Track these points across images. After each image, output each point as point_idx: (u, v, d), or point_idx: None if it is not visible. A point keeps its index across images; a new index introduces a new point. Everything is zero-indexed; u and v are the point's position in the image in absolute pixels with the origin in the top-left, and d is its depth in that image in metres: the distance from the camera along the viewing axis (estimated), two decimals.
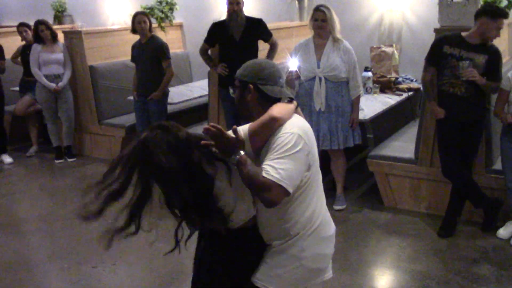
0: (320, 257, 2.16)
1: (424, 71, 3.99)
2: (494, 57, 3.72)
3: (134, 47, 5.39)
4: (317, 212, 2.14)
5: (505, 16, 3.66)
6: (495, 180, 4.06)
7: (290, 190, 1.93)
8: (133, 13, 5.41)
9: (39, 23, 5.88)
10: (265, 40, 4.90)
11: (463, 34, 3.76)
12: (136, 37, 5.36)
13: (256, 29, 4.85)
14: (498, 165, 4.04)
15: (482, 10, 3.68)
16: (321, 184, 2.22)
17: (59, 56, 5.87)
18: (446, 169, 3.94)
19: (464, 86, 3.73)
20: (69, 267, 3.73)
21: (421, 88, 4.80)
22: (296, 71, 4.22)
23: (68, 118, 6.05)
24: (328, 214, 2.25)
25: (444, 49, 3.78)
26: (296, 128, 2.00)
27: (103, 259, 3.81)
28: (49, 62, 5.85)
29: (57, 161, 6.13)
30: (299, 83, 4.32)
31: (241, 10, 4.80)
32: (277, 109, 2.04)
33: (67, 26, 7.48)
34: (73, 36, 6.04)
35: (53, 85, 5.84)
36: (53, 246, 4.08)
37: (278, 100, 2.09)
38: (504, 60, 4.27)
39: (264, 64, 2.14)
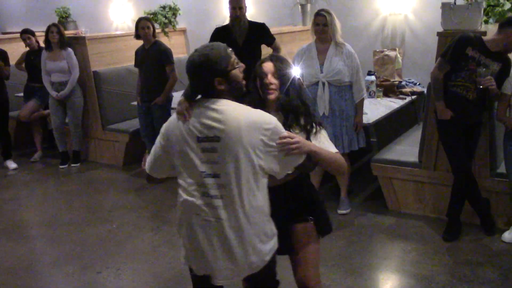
0: None
1: (438, 69, 3.83)
2: (507, 66, 3.72)
3: (137, 53, 5.41)
4: None
5: None
6: (499, 183, 4.05)
7: None
8: (136, 18, 5.44)
9: (52, 25, 5.91)
10: (268, 44, 4.91)
11: (485, 39, 3.72)
12: (140, 43, 5.38)
13: (259, 33, 4.85)
14: (502, 169, 4.03)
15: (508, 21, 3.64)
16: None
17: (62, 64, 5.87)
18: (457, 168, 3.89)
19: (476, 92, 3.72)
20: (73, 273, 3.73)
21: (425, 92, 4.79)
22: (299, 78, 4.22)
23: (74, 124, 6.08)
24: None
25: (467, 50, 3.69)
26: None
27: (107, 264, 3.82)
28: (53, 70, 5.88)
29: (61, 167, 6.15)
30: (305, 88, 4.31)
31: (243, 15, 4.80)
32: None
33: (71, 32, 7.51)
34: (77, 42, 6.06)
35: (55, 93, 5.87)
36: (58, 252, 4.09)
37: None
38: None
39: None
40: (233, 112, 2.09)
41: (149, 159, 2.39)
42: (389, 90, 5.45)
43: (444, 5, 4.23)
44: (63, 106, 6.01)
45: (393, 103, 5.16)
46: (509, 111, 3.76)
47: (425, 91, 4.62)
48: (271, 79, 2.41)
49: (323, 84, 4.27)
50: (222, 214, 2.12)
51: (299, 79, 4.23)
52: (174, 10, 7.24)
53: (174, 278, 3.62)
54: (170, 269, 3.72)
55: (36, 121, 6.44)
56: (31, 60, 6.20)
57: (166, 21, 7.13)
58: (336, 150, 2.37)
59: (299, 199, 2.48)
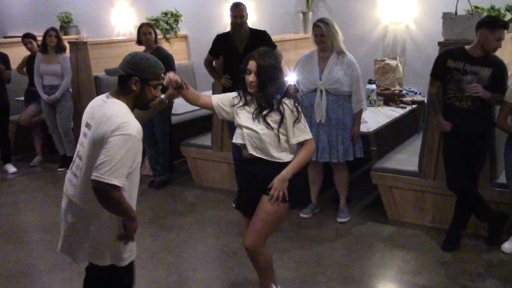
0: None
1: (430, 85, 3.99)
2: (499, 69, 3.72)
3: None
4: None
5: (504, 26, 3.66)
6: (499, 193, 4.04)
7: None
8: (138, 24, 5.45)
9: (51, 29, 5.94)
10: None
11: (467, 47, 3.77)
12: (141, 48, 5.39)
13: (260, 41, 4.85)
14: (502, 179, 4.02)
15: (481, 22, 3.69)
16: None
17: (55, 67, 5.88)
18: (451, 182, 3.93)
19: (470, 100, 3.73)
20: (71, 278, 3.71)
21: (425, 101, 4.80)
22: (294, 85, 4.24)
23: (63, 129, 6.06)
24: None
25: (448, 63, 3.79)
26: None
27: None
28: (45, 72, 5.89)
29: (59, 169, 6.14)
30: (301, 95, 4.33)
31: (245, 23, 4.82)
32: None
33: (72, 37, 7.52)
34: (79, 47, 6.07)
35: (45, 96, 5.88)
36: (56, 256, 4.06)
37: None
38: (509, 73, 4.27)
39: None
40: (108, 109, 2.35)
41: None
42: (390, 99, 5.46)
43: (445, 15, 4.25)
44: (54, 110, 6.02)
45: (393, 112, 5.16)
46: (511, 118, 3.76)
47: (426, 101, 4.63)
48: (252, 77, 2.83)
49: (321, 91, 4.28)
50: (74, 191, 2.46)
51: (294, 85, 4.29)
52: (176, 17, 7.26)
53: (171, 284, 3.60)
54: (167, 275, 3.71)
55: (36, 125, 6.44)
56: (32, 64, 6.19)
57: (168, 27, 7.15)
58: (305, 138, 2.89)
59: (271, 175, 2.86)
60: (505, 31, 3.68)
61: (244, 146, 2.93)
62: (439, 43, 4.19)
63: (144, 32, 5.23)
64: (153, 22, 6.92)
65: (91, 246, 2.47)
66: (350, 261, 3.85)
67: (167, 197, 5.28)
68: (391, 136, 5.35)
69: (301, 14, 6.38)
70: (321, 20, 4.33)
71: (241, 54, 4.74)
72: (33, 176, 6.12)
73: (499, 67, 3.72)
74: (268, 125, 2.83)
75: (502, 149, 3.91)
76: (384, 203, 4.55)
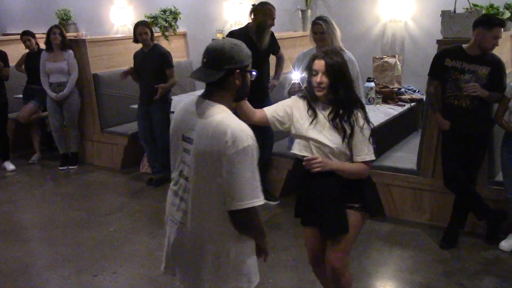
0: None
1: (428, 85, 4.00)
2: (497, 68, 3.72)
3: (136, 56, 5.41)
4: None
5: (501, 24, 3.66)
6: (497, 191, 4.05)
7: None
8: (137, 21, 5.44)
9: (55, 26, 5.95)
10: (275, 53, 4.91)
11: (464, 46, 3.77)
12: (139, 46, 5.40)
13: (272, 41, 4.83)
14: (500, 177, 4.03)
15: (478, 21, 3.69)
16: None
17: (62, 64, 5.89)
18: (448, 181, 3.93)
19: (468, 98, 3.73)
20: (69, 275, 3.72)
21: (424, 99, 4.80)
22: (299, 83, 4.23)
23: (71, 126, 6.08)
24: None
25: (446, 62, 3.79)
26: None
27: (103, 268, 3.81)
28: (52, 70, 5.89)
29: (60, 168, 6.15)
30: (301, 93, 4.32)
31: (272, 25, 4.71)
32: None
33: (71, 35, 7.51)
34: (77, 44, 6.07)
35: (53, 94, 5.88)
36: (54, 254, 4.08)
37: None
38: (507, 72, 4.27)
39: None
40: (215, 120, 1.97)
41: None
42: (388, 97, 5.45)
43: (444, 13, 4.25)
44: (60, 108, 6.02)
45: (392, 110, 5.16)
46: (509, 115, 3.77)
47: (424, 99, 4.62)
48: (320, 77, 2.52)
49: None
50: (183, 218, 2.10)
51: (299, 83, 4.27)
52: (174, 14, 7.25)
53: (170, 282, 3.60)
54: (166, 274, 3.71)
55: (34, 123, 6.44)
56: (31, 62, 6.20)
57: (167, 24, 7.13)
58: (369, 158, 2.58)
59: (346, 186, 2.61)
60: (502, 29, 3.68)
61: None
62: (438, 41, 4.19)
63: (140, 33, 5.22)
64: (152, 19, 6.92)
65: (214, 272, 2.08)
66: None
67: (166, 195, 5.26)
68: (390, 134, 5.35)
69: (299, 12, 6.37)
70: (321, 18, 4.33)
71: (259, 53, 4.68)
72: (32, 174, 6.12)
73: (497, 65, 3.72)
74: (343, 133, 2.53)
75: (500, 148, 3.91)
76: (382, 201, 4.55)
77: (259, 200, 1.93)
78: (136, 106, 5.55)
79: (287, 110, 2.71)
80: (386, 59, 5.77)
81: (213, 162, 1.93)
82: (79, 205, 5.11)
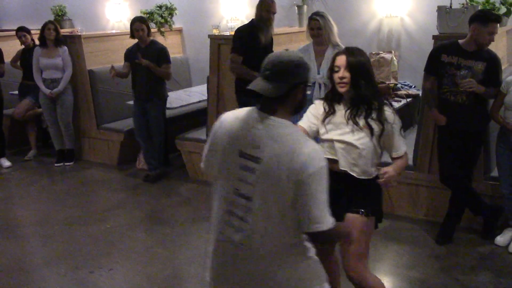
0: None
1: (424, 81, 4.00)
2: (493, 63, 3.72)
3: (131, 51, 5.34)
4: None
5: (497, 20, 3.66)
6: (492, 187, 4.06)
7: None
8: (132, 17, 5.42)
9: (49, 22, 5.93)
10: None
11: (460, 42, 3.77)
12: (134, 41, 5.38)
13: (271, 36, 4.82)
14: (496, 172, 4.03)
15: (473, 16, 3.69)
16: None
17: (57, 60, 5.87)
18: (444, 177, 3.94)
19: (465, 94, 3.73)
20: (65, 272, 3.72)
21: (420, 95, 4.80)
22: None
23: (64, 122, 6.05)
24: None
25: (442, 58, 3.79)
26: None
27: (100, 264, 3.80)
28: (47, 66, 5.87)
29: (56, 165, 6.13)
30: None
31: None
32: None
33: (66, 30, 7.47)
34: (73, 40, 6.05)
35: (47, 90, 5.86)
36: (50, 251, 4.07)
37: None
38: (502, 68, 4.27)
39: None
40: (289, 140, 1.87)
41: (204, 153, 2.17)
42: (384, 92, 5.45)
43: (440, 9, 4.25)
44: (54, 104, 5.99)
45: None
46: (504, 111, 3.78)
47: (420, 94, 4.62)
48: (342, 72, 2.46)
49: (320, 85, 4.28)
50: (243, 239, 1.94)
51: None
52: (170, 10, 7.22)
53: (166, 279, 3.61)
54: (162, 270, 3.71)
55: (30, 119, 6.41)
56: (27, 58, 6.17)
57: (163, 20, 7.11)
58: (405, 149, 2.59)
59: (358, 190, 2.57)
60: (498, 25, 3.68)
61: (333, 160, 2.52)
62: (434, 37, 4.19)
63: (137, 29, 5.20)
64: (148, 15, 6.88)
65: None
66: None
67: (162, 191, 5.28)
68: None
69: (296, 8, 6.35)
70: (317, 14, 4.32)
71: (263, 49, 4.65)
72: (28, 170, 6.10)
73: (493, 61, 3.72)
74: (370, 131, 2.48)
75: (495, 143, 3.92)
76: None
77: (331, 222, 1.88)
78: (131, 102, 5.53)
79: (316, 115, 2.65)
80: (382, 55, 5.77)
81: (287, 183, 1.83)
82: (75, 201, 5.10)
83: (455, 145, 3.86)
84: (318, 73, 4.29)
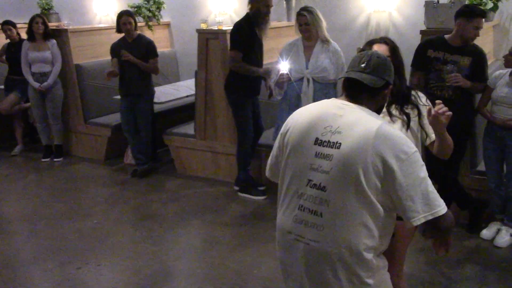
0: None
1: (411, 76, 4.00)
2: (479, 58, 3.75)
3: (117, 45, 5.31)
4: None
5: (482, 15, 3.69)
6: (479, 181, 4.09)
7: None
8: (120, 11, 5.38)
9: (37, 15, 5.88)
10: None
11: (446, 37, 3.79)
12: (120, 35, 5.34)
13: None
14: (482, 167, 4.07)
15: (459, 11, 3.72)
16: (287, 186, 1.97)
17: (46, 54, 5.82)
18: (431, 171, 3.95)
19: (451, 89, 3.75)
20: (53, 268, 3.69)
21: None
22: (287, 74, 4.24)
23: (53, 117, 6.01)
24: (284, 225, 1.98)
25: (428, 53, 3.80)
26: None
27: (87, 260, 3.78)
28: (36, 60, 5.81)
29: (43, 160, 6.08)
30: (289, 83, 4.33)
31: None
32: None
33: (53, 24, 7.38)
34: (59, 35, 5.99)
35: (37, 84, 5.81)
36: (37, 247, 4.04)
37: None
38: (489, 62, 4.30)
39: None
40: (368, 123, 1.82)
41: (269, 160, 2.15)
42: None
43: (427, 4, 4.26)
44: (43, 99, 5.94)
45: None
46: (491, 105, 3.80)
47: None
48: None
49: (308, 80, 4.28)
50: (317, 235, 1.84)
51: (287, 74, 4.27)
52: (158, 4, 7.16)
53: (154, 274, 3.60)
54: (150, 265, 3.70)
55: (17, 114, 6.35)
56: (12, 52, 6.10)
57: (150, 14, 7.05)
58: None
59: None
60: (483, 19, 3.71)
61: None
62: (421, 32, 4.21)
63: (124, 22, 5.17)
64: (135, 9, 6.83)
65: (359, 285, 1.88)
66: None
67: (150, 186, 5.26)
68: None
69: (284, 2, 6.33)
70: (305, 9, 4.31)
71: (258, 44, 4.62)
72: (14, 166, 6.05)
73: (479, 55, 3.75)
74: (405, 120, 2.35)
75: (482, 137, 3.95)
76: None
77: (444, 207, 1.80)
78: (119, 97, 5.49)
79: None
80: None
81: (371, 168, 1.76)
82: (62, 197, 5.07)
83: None
84: (307, 68, 4.30)
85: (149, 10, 7.03)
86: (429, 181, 1.81)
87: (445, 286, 3.37)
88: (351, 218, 1.80)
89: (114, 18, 7.03)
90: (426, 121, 2.35)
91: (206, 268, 3.68)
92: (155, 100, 5.68)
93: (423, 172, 1.81)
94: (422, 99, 2.44)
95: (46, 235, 4.23)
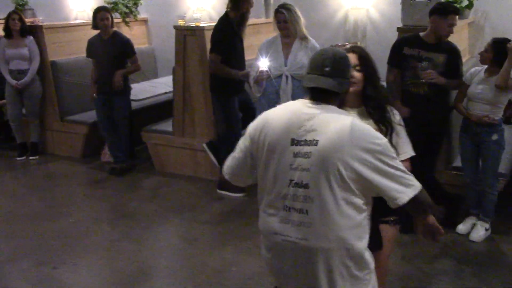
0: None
1: (388, 73, 4.05)
2: (453, 55, 3.80)
3: (93, 43, 5.28)
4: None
5: (455, 12, 3.74)
6: (455, 176, 4.15)
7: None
8: (96, 7, 5.31)
9: (13, 12, 5.80)
10: None
11: (421, 34, 3.83)
12: (96, 32, 5.28)
13: None
14: (458, 162, 4.13)
15: (433, 9, 3.76)
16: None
17: (23, 51, 5.72)
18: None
19: (426, 86, 3.79)
20: (28, 268, 3.64)
21: (385, 86, 4.85)
22: (267, 71, 4.23)
23: (31, 115, 5.92)
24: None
25: (404, 50, 3.84)
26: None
27: (64, 260, 3.73)
28: (13, 57, 5.72)
29: (18, 158, 5.98)
30: (268, 81, 4.32)
31: None
32: None
33: (28, 20, 7.24)
34: (34, 31, 5.89)
35: (14, 81, 5.71)
36: (12, 247, 3.97)
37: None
38: (464, 60, 4.36)
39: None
40: (342, 119, 1.91)
41: (228, 164, 2.16)
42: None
43: (404, 1, 4.30)
44: (20, 96, 5.84)
45: None
46: (467, 102, 3.86)
47: (385, 85, 4.66)
48: (352, 72, 2.21)
49: (287, 77, 4.28)
50: (303, 232, 1.90)
51: (267, 71, 4.26)
52: (135, 0, 7.10)
53: (132, 273, 3.57)
54: (128, 264, 3.67)
55: None
56: None
57: (127, 10, 6.98)
58: (413, 153, 2.40)
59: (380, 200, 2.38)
60: (457, 16, 3.76)
61: None
62: (398, 29, 4.24)
63: (102, 18, 5.11)
64: (112, 5, 6.75)
65: (348, 275, 1.94)
66: None
67: (128, 184, 5.21)
68: None
69: None
70: (283, 6, 4.31)
71: (240, 45, 4.60)
72: None
73: (453, 52, 3.80)
74: (379, 130, 2.24)
75: (458, 134, 4.00)
76: None
77: (418, 184, 1.91)
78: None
79: None
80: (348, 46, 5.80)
81: (348, 160, 1.83)
82: (38, 196, 4.99)
83: (418, 136, 3.91)
84: (285, 65, 4.30)
85: (126, 6, 6.96)
86: (402, 165, 1.94)
87: (421, 280, 3.41)
88: (336, 211, 1.86)
89: (90, 14, 6.94)
90: (399, 140, 2.34)
91: (185, 266, 3.66)
92: (133, 97, 5.62)
93: (396, 157, 1.93)
94: (396, 117, 2.38)
95: (22, 234, 4.16)
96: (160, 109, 6.11)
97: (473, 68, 3.89)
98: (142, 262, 3.71)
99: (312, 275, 1.92)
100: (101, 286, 3.46)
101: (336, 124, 1.89)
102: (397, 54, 3.90)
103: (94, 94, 5.39)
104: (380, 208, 2.26)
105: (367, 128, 1.94)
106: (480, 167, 3.90)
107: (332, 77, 1.94)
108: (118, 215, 4.52)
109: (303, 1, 6.02)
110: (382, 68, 5.15)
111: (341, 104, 2.13)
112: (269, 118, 2.03)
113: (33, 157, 6.00)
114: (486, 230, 3.92)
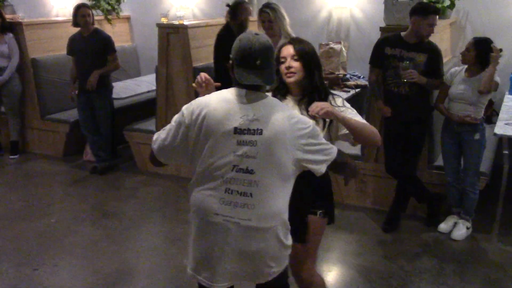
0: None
1: (370, 73, 4.08)
2: (434, 55, 3.83)
3: (73, 40, 5.22)
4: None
5: (435, 12, 3.76)
6: (437, 176, 4.18)
7: None
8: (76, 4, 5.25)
9: None
10: None
11: (403, 34, 3.85)
12: (78, 31, 5.21)
13: None
14: (440, 161, 4.16)
15: (413, 9, 3.78)
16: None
17: (2, 48, 5.63)
18: (389, 166, 4.03)
19: (407, 85, 3.81)
20: (7, 269, 3.58)
21: (368, 85, 4.87)
22: None
23: (11, 113, 5.83)
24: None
25: (386, 50, 3.86)
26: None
27: (44, 261, 3.68)
28: None
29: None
30: None
31: None
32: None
33: (7, 17, 7.14)
34: (14, 28, 5.79)
35: None
36: None
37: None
38: (445, 59, 4.39)
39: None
40: (281, 110, 2.05)
41: (160, 136, 2.17)
42: (334, 82, 5.50)
43: (387, 1, 4.31)
44: None
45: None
46: (448, 102, 3.89)
47: (368, 85, 4.69)
48: (290, 62, 2.38)
49: None
50: (247, 214, 2.01)
51: None
52: None
53: (113, 273, 3.53)
54: (110, 264, 3.63)
55: None
56: None
57: (110, 8, 6.90)
58: (363, 120, 2.41)
59: (314, 191, 2.49)
60: (437, 16, 3.78)
61: None
62: (381, 28, 4.25)
63: (83, 14, 5.05)
64: (94, 2, 6.67)
65: (276, 258, 2.11)
66: None
67: (110, 183, 5.16)
68: None
69: None
70: (268, 6, 4.30)
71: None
72: None
73: (434, 52, 3.83)
74: (323, 122, 2.38)
75: (440, 133, 4.03)
76: None
77: (335, 148, 2.12)
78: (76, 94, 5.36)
79: None
80: (332, 46, 5.81)
81: (290, 146, 2.00)
82: (18, 195, 4.91)
83: (400, 135, 3.95)
84: None
85: (108, 3, 6.88)
86: (323, 140, 2.13)
87: (403, 278, 3.43)
88: (277, 194, 2.04)
89: (71, 10, 6.86)
90: (345, 116, 2.36)
91: (167, 266, 3.63)
92: (115, 95, 5.57)
93: (320, 138, 2.11)
94: (337, 101, 2.44)
95: (1, 235, 4.10)
96: (143, 108, 6.06)
97: (453, 68, 3.92)
98: (124, 263, 3.68)
99: (251, 251, 2.05)
100: (82, 287, 3.42)
101: (278, 114, 2.02)
102: (378, 54, 3.92)
103: (73, 93, 5.33)
104: (308, 199, 2.48)
105: (301, 117, 2.10)
106: (462, 166, 3.93)
107: (264, 69, 2.03)
108: (99, 214, 4.47)
109: (286, 0, 6.03)
110: (366, 66, 5.21)
111: (286, 93, 2.41)
112: (208, 103, 2.06)
113: (13, 156, 5.92)
114: (468, 228, 3.95)
